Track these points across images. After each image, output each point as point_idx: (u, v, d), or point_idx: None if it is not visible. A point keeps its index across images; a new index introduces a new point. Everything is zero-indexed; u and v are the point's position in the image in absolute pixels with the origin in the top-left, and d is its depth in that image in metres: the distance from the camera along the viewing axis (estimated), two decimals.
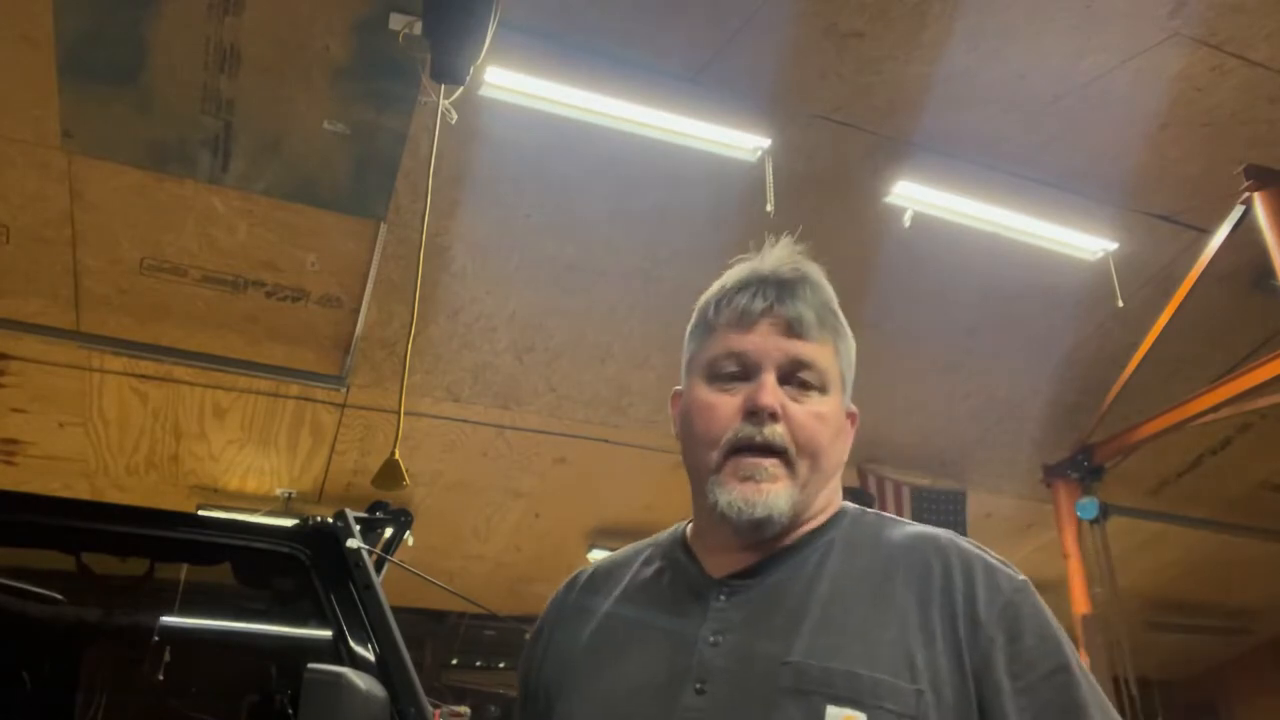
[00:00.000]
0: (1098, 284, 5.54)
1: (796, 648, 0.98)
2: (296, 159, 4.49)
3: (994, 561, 1.05)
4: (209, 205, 4.63)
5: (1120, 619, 6.10)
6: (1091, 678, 1.01)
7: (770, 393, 1.04)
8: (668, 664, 1.03)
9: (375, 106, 4.32)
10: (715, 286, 1.15)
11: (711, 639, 1.02)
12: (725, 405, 1.07)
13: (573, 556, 7.12)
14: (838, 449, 1.11)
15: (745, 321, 1.08)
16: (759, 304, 1.08)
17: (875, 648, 0.97)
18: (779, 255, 1.14)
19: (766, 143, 4.61)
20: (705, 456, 1.08)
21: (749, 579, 1.07)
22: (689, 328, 1.18)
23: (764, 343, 1.07)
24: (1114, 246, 5.39)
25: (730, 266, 1.16)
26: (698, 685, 0.99)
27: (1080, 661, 1.01)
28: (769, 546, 1.08)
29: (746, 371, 1.07)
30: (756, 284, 1.10)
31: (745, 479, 1.04)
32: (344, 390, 5.54)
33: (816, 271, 1.14)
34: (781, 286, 1.09)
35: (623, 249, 5.17)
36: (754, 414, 1.04)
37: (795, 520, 1.07)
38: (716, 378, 1.09)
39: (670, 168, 4.74)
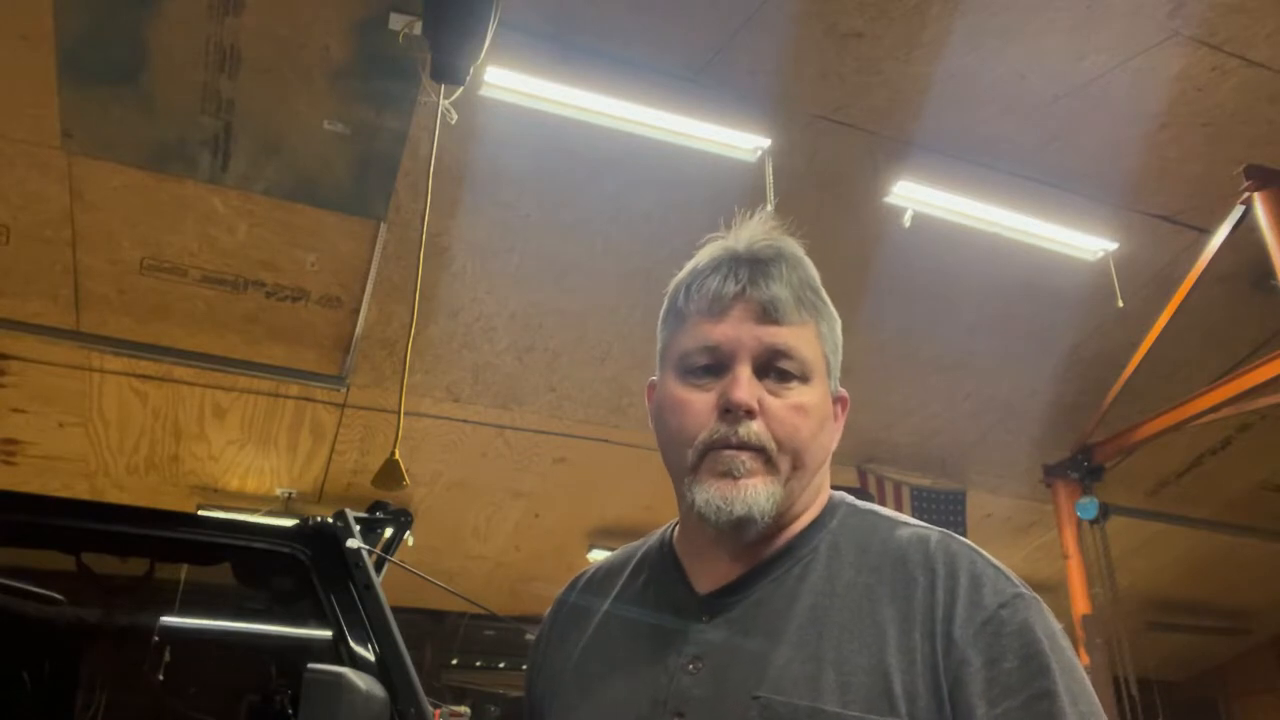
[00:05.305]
0: (1098, 284, 5.54)
1: (768, 679, 0.92)
2: (296, 159, 4.49)
3: (984, 570, 0.94)
4: (209, 205, 4.63)
5: (1120, 619, 6.10)
6: (1088, 705, 0.89)
7: (745, 388, 0.97)
8: (649, 691, 0.98)
9: (375, 106, 4.32)
10: (686, 269, 1.07)
11: (690, 666, 0.97)
12: (699, 402, 0.99)
13: (573, 556, 7.12)
14: (822, 441, 1.03)
15: (717, 307, 1.00)
16: (731, 287, 1.00)
17: (850, 676, 0.90)
18: (753, 231, 1.05)
19: (766, 143, 4.61)
20: (681, 457, 1.01)
21: (731, 596, 1.01)
22: (661, 314, 1.09)
23: (737, 332, 0.99)
24: (1114, 246, 5.39)
25: (703, 245, 1.08)
26: (675, 719, 0.95)
27: (1077, 685, 0.89)
28: (753, 555, 1.02)
29: (720, 364, 1.00)
30: (729, 265, 1.02)
31: (723, 475, 0.97)
32: (344, 390, 5.54)
33: (794, 247, 1.05)
34: (755, 266, 1.01)
35: (623, 249, 5.17)
36: (729, 412, 0.97)
37: (779, 520, 1.01)
38: (689, 372, 1.02)
39: (670, 168, 4.74)
